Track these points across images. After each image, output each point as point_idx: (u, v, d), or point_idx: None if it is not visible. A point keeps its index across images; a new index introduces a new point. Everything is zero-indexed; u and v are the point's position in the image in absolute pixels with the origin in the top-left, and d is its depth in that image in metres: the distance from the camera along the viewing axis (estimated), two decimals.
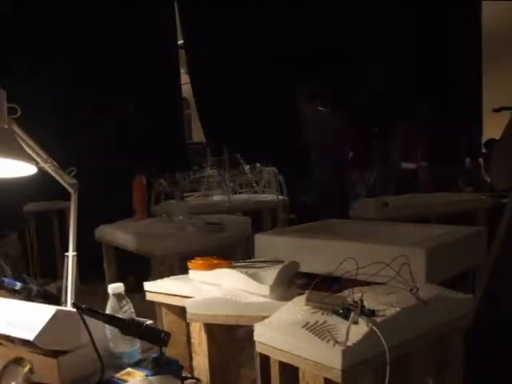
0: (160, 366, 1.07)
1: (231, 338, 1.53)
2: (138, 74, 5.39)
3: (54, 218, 4.39)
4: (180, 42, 6.26)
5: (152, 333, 1.11)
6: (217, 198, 3.91)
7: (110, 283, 2.86)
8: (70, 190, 1.39)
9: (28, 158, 1.17)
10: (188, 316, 1.50)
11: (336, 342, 1.08)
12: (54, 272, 4.06)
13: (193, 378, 1.16)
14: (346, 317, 1.15)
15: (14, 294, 1.40)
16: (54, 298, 1.41)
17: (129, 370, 1.07)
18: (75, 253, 1.41)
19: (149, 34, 5.49)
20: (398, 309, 1.20)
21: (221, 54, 5.56)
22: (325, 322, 1.16)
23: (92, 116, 4.87)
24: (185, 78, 6.82)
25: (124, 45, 5.25)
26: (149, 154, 5.37)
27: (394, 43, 5.78)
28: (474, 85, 6.54)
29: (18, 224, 4.22)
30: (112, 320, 1.12)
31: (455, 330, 1.36)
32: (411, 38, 5.85)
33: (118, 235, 2.71)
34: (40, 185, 2.25)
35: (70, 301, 1.36)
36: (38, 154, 1.27)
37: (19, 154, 1.15)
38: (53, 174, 1.34)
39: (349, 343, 1.07)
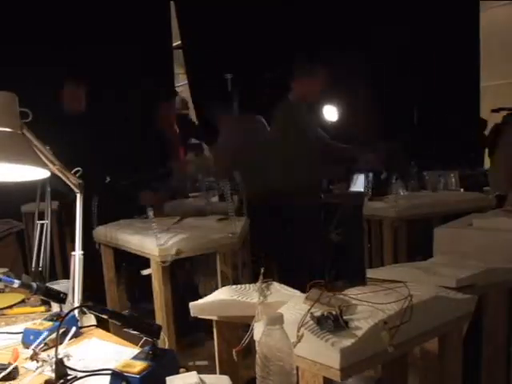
0: (158, 356, 1.10)
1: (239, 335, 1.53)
2: (135, 73, 5.40)
3: (52, 219, 4.38)
4: (178, 42, 6.29)
5: (147, 326, 1.14)
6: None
7: (108, 283, 2.88)
8: (76, 190, 1.41)
9: (40, 163, 1.19)
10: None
11: (334, 341, 1.08)
12: (53, 272, 4.07)
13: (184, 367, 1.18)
14: (321, 325, 1.15)
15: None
16: (56, 294, 1.42)
17: (127, 361, 1.09)
18: (82, 252, 1.43)
19: (145, 34, 5.51)
20: (396, 309, 1.21)
21: (220, 54, 5.57)
22: None
23: (91, 115, 4.86)
24: (183, 79, 6.85)
25: (121, 45, 5.26)
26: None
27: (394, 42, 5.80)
28: (472, 85, 6.57)
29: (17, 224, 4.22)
30: (113, 315, 1.15)
31: (454, 331, 1.37)
32: (410, 37, 5.86)
33: (118, 235, 2.72)
34: (39, 185, 2.26)
35: (77, 299, 1.38)
36: (45, 156, 1.29)
37: (32, 159, 1.18)
38: (60, 175, 1.35)
39: (347, 343, 1.08)
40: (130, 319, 1.14)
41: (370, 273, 1.85)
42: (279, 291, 1.50)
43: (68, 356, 1.26)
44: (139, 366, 1.05)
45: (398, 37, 5.75)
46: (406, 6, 5.85)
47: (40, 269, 2.02)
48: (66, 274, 1.62)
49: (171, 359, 1.14)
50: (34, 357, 1.25)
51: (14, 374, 1.21)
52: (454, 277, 1.62)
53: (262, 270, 1.37)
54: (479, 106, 6.72)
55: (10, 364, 1.22)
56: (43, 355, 1.25)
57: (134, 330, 1.14)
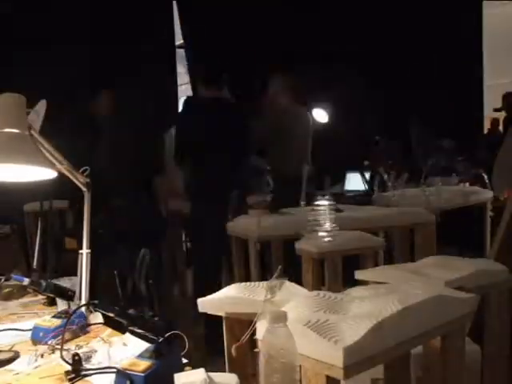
0: (163, 354, 1.10)
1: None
2: (135, 73, 5.42)
3: (55, 218, 4.40)
4: (180, 42, 6.30)
5: (153, 325, 1.15)
6: None
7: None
8: (84, 188, 1.43)
9: (48, 164, 1.22)
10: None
11: (337, 340, 1.09)
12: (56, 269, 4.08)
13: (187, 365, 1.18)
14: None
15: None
16: (64, 292, 1.44)
17: (132, 360, 1.10)
18: (89, 250, 1.45)
19: (146, 34, 5.52)
20: (399, 308, 1.21)
21: (222, 53, 5.58)
22: (326, 320, 1.17)
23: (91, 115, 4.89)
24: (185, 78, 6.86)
25: (121, 45, 5.28)
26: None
27: (395, 43, 5.81)
28: (475, 83, 6.58)
29: (19, 223, 4.25)
30: (120, 314, 1.16)
31: (457, 330, 1.38)
32: (411, 39, 5.87)
33: None
34: (40, 184, 2.27)
35: (84, 297, 1.39)
36: (53, 156, 1.31)
37: (41, 160, 1.21)
38: (68, 174, 1.37)
39: (350, 341, 1.08)
40: (135, 318, 1.15)
41: (359, 274, 1.87)
42: (288, 289, 1.51)
43: (92, 351, 1.28)
44: (144, 364, 1.06)
45: (398, 35, 5.76)
46: (408, 4, 5.85)
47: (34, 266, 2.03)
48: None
49: (176, 358, 1.14)
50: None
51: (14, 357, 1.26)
52: (442, 279, 1.63)
53: (280, 267, 1.37)
54: (483, 105, 6.73)
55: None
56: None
57: (140, 329, 1.15)
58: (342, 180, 5.17)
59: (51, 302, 1.67)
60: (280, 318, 0.99)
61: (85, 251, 1.47)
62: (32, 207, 4.27)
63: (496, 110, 6.02)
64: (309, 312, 1.24)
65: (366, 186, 4.72)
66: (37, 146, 1.23)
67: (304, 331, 1.14)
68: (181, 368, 1.13)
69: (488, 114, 6.75)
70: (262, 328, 1.21)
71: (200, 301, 1.56)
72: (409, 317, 1.22)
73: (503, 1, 7.17)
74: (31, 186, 2.09)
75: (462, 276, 1.69)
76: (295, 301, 1.34)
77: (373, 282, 1.77)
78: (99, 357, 1.27)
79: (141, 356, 1.11)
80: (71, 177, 1.40)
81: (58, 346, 1.27)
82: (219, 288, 1.62)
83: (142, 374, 1.04)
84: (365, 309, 1.24)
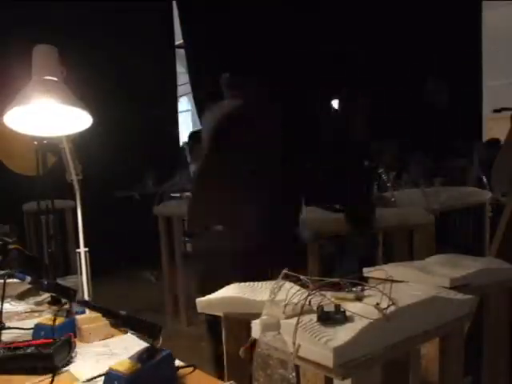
0: (153, 356, 1.09)
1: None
2: (138, 73, 5.43)
3: (55, 217, 4.39)
4: (180, 41, 6.31)
5: (146, 326, 1.14)
6: None
7: None
8: (76, 186, 1.44)
9: (83, 107, 1.29)
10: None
11: (328, 340, 1.08)
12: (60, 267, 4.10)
13: (188, 366, 1.18)
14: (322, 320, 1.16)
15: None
16: (65, 291, 1.43)
17: (124, 360, 1.09)
18: (87, 248, 1.45)
19: (146, 34, 5.53)
20: (392, 309, 1.19)
21: (221, 53, 5.58)
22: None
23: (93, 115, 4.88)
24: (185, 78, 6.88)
25: (121, 45, 5.28)
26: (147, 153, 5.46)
27: (394, 43, 5.81)
28: (474, 85, 6.58)
29: (18, 223, 4.25)
30: (109, 313, 1.16)
31: (455, 331, 1.37)
32: (410, 39, 5.86)
33: None
34: (39, 184, 2.28)
35: (86, 296, 1.39)
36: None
37: (80, 104, 1.28)
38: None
39: (341, 341, 1.07)
40: (126, 318, 1.14)
41: (366, 271, 1.86)
42: (287, 291, 1.50)
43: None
44: (131, 366, 1.06)
45: (398, 35, 5.76)
46: (408, 4, 5.85)
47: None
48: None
49: (167, 361, 1.13)
50: None
51: None
52: (448, 276, 1.63)
53: (285, 270, 1.36)
54: (482, 106, 6.74)
55: None
56: None
57: (132, 330, 1.14)
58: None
59: (57, 301, 1.66)
60: (271, 326, 0.97)
61: (82, 250, 1.47)
62: (31, 207, 4.27)
63: (496, 111, 6.02)
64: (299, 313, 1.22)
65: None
66: (71, 92, 1.31)
67: (298, 331, 1.12)
68: (172, 371, 1.13)
69: (487, 115, 6.77)
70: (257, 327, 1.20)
71: (198, 301, 1.55)
72: (403, 318, 1.20)
73: (503, 1, 7.17)
74: (30, 186, 2.09)
75: (468, 273, 1.68)
76: (292, 303, 1.32)
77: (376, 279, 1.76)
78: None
79: (132, 357, 1.10)
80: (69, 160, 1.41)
81: None
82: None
83: (125, 376, 1.03)
84: (358, 308, 1.23)
